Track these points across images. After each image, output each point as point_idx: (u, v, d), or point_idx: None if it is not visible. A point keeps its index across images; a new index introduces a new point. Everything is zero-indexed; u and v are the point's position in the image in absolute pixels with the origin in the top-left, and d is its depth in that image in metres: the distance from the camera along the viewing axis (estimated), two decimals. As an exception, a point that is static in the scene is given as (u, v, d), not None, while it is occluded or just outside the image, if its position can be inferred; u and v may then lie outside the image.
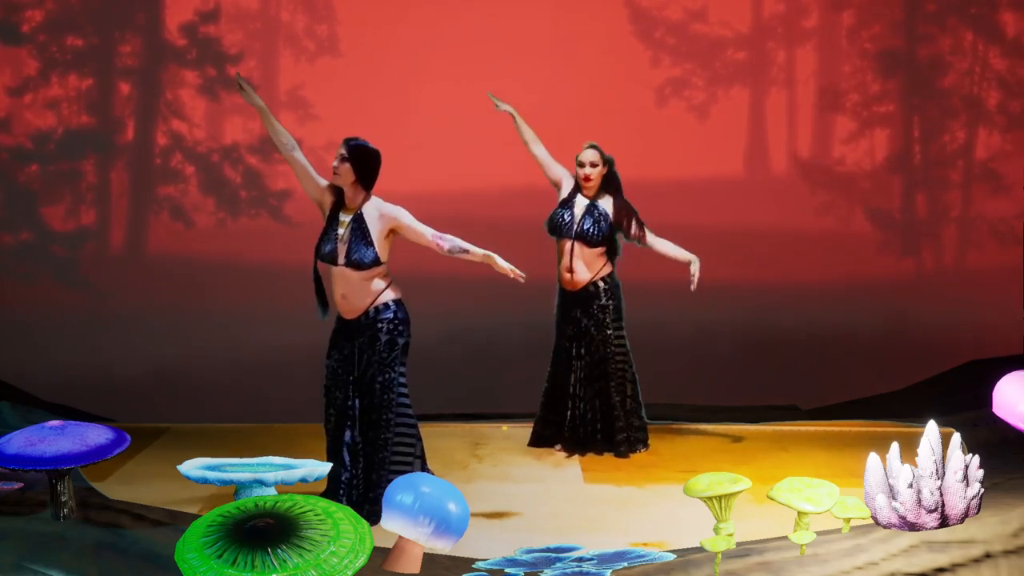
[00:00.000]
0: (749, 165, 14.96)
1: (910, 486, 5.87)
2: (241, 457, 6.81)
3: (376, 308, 7.03)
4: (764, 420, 9.55)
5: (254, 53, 14.94)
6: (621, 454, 8.42)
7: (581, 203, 8.47)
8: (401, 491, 5.93)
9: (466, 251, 7.06)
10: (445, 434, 8.98)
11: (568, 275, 8.48)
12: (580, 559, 5.96)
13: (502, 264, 7.02)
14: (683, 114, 14.77)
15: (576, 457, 8.48)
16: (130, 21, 14.22)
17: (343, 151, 7.02)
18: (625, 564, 5.91)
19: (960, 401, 8.81)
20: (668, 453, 8.57)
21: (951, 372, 10.59)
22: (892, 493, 5.93)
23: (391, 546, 5.98)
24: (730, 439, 8.92)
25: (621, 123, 13.34)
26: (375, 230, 6.99)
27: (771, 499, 5.97)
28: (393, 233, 7.05)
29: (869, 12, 14.74)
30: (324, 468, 6.67)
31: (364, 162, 7.02)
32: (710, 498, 5.76)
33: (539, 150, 8.58)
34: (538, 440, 8.70)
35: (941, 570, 5.66)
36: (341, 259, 7.00)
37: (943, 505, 5.92)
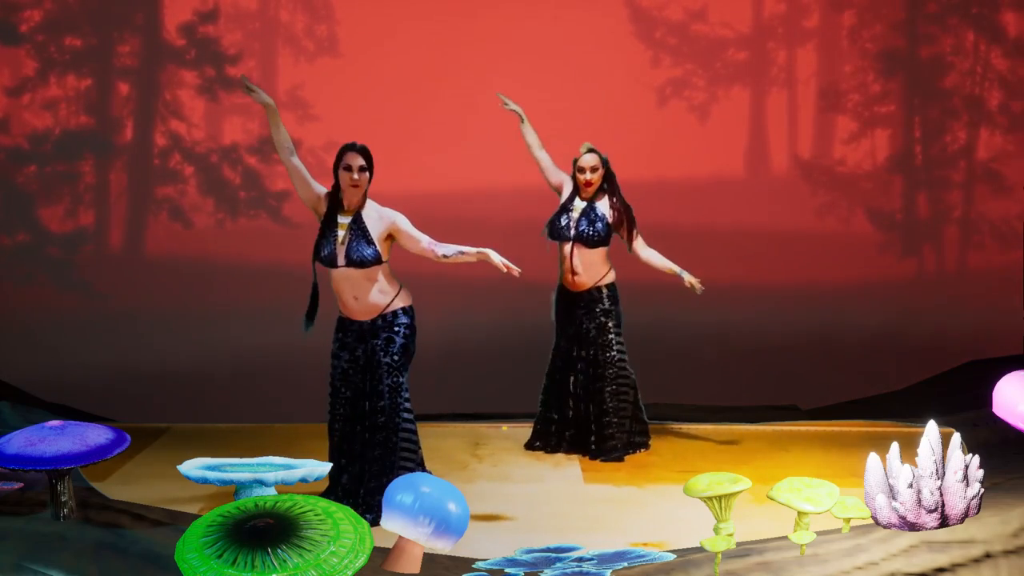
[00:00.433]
0: (750, 165, 14.96)
1: (910, 486, 5.87)
2: (241, 457, 6.81)
3: (394, 313, 7.04)
4: (764, 420, 9.54)
5: (253, 53, 14.93)
6: (609, 459, 8.39)
7: (579, 206, 8.47)
8: (401, 491, 5.93)
9: (462, 253, 7.04)
10: (445, 434, 8.98)
11: (571, 276, 8.48)
12: (580, 559, 5.96)
13: (496, 259, 7.00)
14: (684, 114, 14.76)
15: (576, 457, 8.48)
16: (129, 21, 14.21)
17: (362, 162, 6.99)
18: (625, 564, 5.90)
19: (960, 401, 8.81)
20: (668, 453, 8.57)
21: (951, 372, 10.58)
22: (892, 493, 5.92)
23: (391, 546, 5.98)
24: (730, 439, 8.91)
25: (622, 123, 13.35)
26: (375, 231, 6.99)
27: (771, 499, 5.96)
28: (391, 238, 7.05)
29: (870, 12, 14.74)
30: (324, 468, 6.66)
31: (373, 166, 7.05)
32: (710, 498, 5.75)
33: (542, 155, 8.60)
34: (537, 442, 8.69)
35: (941, 570, 5.66)
36: (341, 260, 7.00)
37: (943, 505, 5.92)
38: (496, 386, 10.93)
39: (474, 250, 7.04)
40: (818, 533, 5.97)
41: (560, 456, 8.52)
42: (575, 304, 8.53)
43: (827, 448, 8.61)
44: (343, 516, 5.52)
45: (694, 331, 12.22)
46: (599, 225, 8.39)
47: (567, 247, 8.46)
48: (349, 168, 6.99)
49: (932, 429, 5.98)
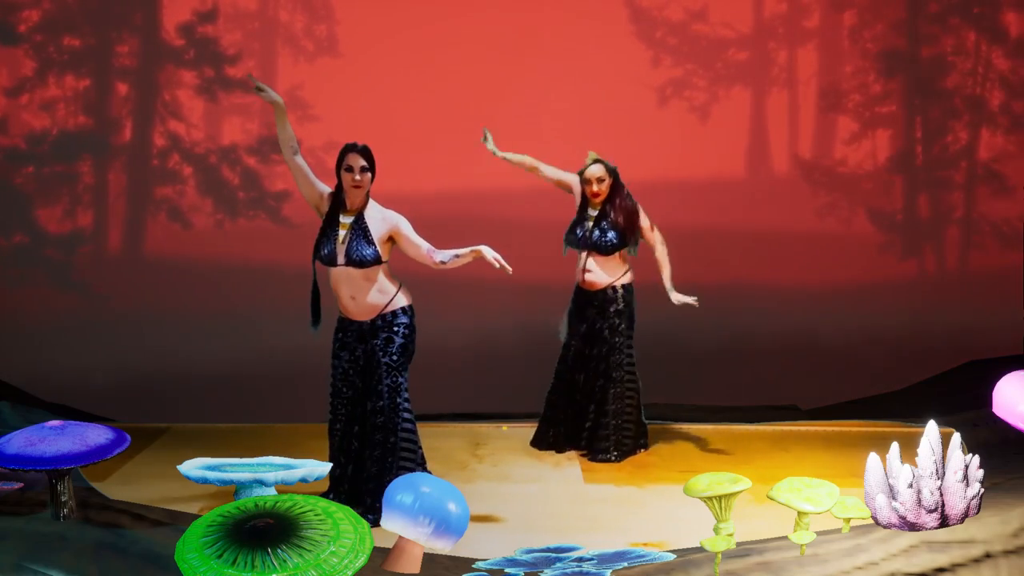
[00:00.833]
0: (750, 166, 14.94)
1: (910, 486, 5.86)
2: (241, 457, 6.80)
3: (394, 313, 7.04)
4: (764, 420, 9.55)
5: (252, 53, 14.92)
6: (597, 459, 8.40)
7: (592, 215, 8.51)
8: (401, 491, 5.93)
9: (457, 256, 7.03)
10: (445, 434, 8.98)
11: (584, 275, 8.53)
12: (580, 559, 5.95)
13: (490, 255, 6.98)
14: (684, 114, 14.74)
15: (576, 457, 8.48)
16: (127, 21, 14.19)
17: (363, 162, 6.99)
18: (625, 564, 5.90)
19: (960, 401, 8.81)
20: (668, 453, 8.57)
21: (951, 372, 10.59)
22: (892, 493, 5.92)
23: (391, 546, 5.97)
24: (730, 439, 8.91)
25: (622, 123, 13.33)
26: (377, 232, 6.99)
27: (771, 499, 5.96)
28: (392, 240, 7.04)
29: (871, 12, 14.72)
30: (324, 468, 6.66)
31: (375, 166, 7.04)
32: (710, 498, 5.75)
33: (546, 170, 8.65)
34: (540, 441, 8.70)
35: (941, 570, 5.65)
36: (341, 259, 6.99)
37: (943, 505, 5.91)
38: (496, 386, 10.94)
39: (468, 250, 7.03)
40: (818, 533, 5.97)
41: (560, 456, 8.52)
42: (589, 303, 8.57)
43: (827, 448, 8.61)
44: (343, 516, 5.52)
45: (694, 331, 12.21)
46: (611, 234, 8.45)
47: (583, 255, 8.53)
48: (351, 169, 6.99)
49: (932, 429, 5.98)
